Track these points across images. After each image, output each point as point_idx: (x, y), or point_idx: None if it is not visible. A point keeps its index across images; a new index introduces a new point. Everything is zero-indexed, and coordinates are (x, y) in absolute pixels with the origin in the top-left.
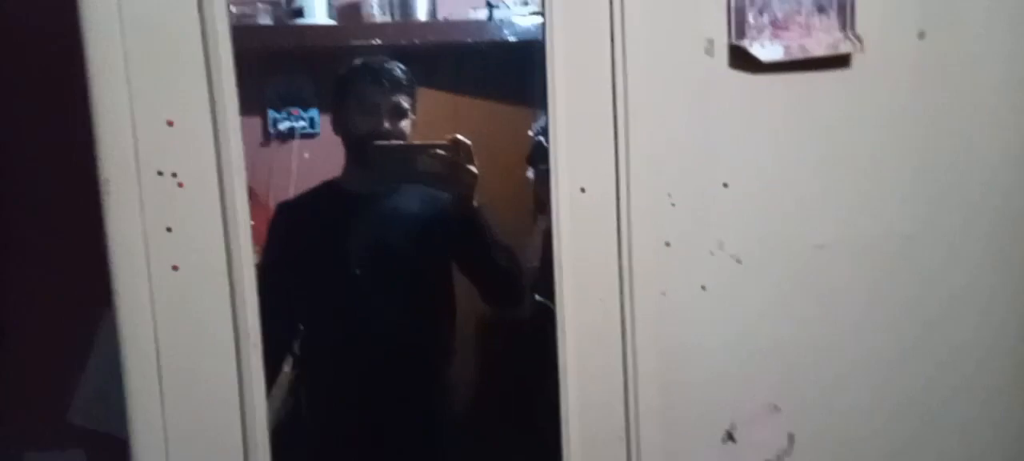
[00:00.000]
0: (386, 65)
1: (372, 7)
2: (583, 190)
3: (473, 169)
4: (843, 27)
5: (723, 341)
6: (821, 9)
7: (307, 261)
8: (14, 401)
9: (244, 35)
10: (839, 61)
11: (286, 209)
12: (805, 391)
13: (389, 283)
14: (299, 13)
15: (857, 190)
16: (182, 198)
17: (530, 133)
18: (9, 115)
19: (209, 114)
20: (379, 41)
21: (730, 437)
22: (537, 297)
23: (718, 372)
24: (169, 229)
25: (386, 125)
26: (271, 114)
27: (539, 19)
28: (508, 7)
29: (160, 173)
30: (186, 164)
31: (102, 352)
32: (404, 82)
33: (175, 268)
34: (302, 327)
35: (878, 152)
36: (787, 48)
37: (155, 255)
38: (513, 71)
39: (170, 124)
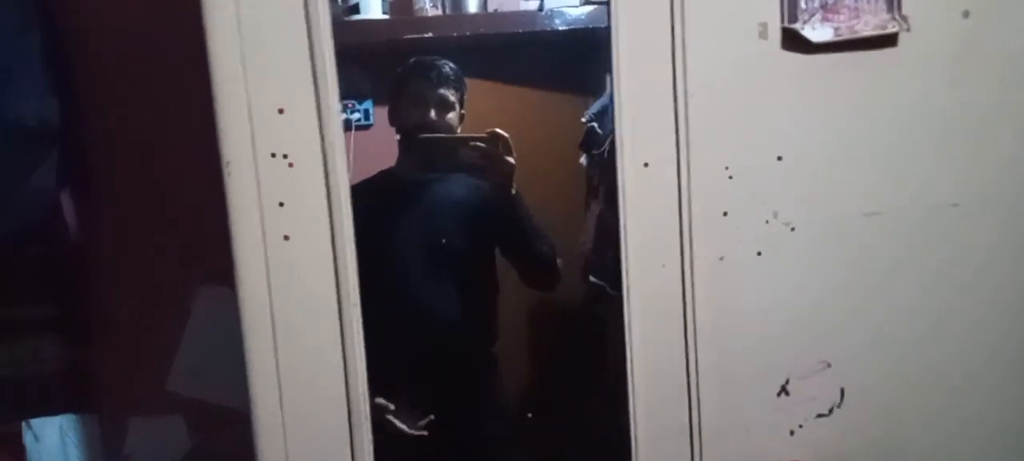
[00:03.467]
0: (437, 62)
1: (424, 1)
2: (646, 165)
3: (510, 159)
4: (890, 9)
5: (777, 302)
6: None
7: (365, 241)
8: (120, 373)
9: None
10: (886, 41)
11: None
12: (855, 348)
13: (438, 264)
14: (355, 9)
15: (904, 162)
16: (292, 176)
17: (582, 120)
18: (104, 109)
19: (314, 102)
20: (431, 34)
21: (784, 391)
22: (591, 278)
23: (773, 331)
24: (281, 204)
25: (432, 116)
26: None
27: (589, 9)
28: None
29: (273, 155)
30: (295, 146)
31: (198, 325)
32: (451, 77)
33: (286, 238)
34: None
35: (924, 126)
36: (837, 30)
37: (270, 226)
38: (564, 60)
39: (281, 112)
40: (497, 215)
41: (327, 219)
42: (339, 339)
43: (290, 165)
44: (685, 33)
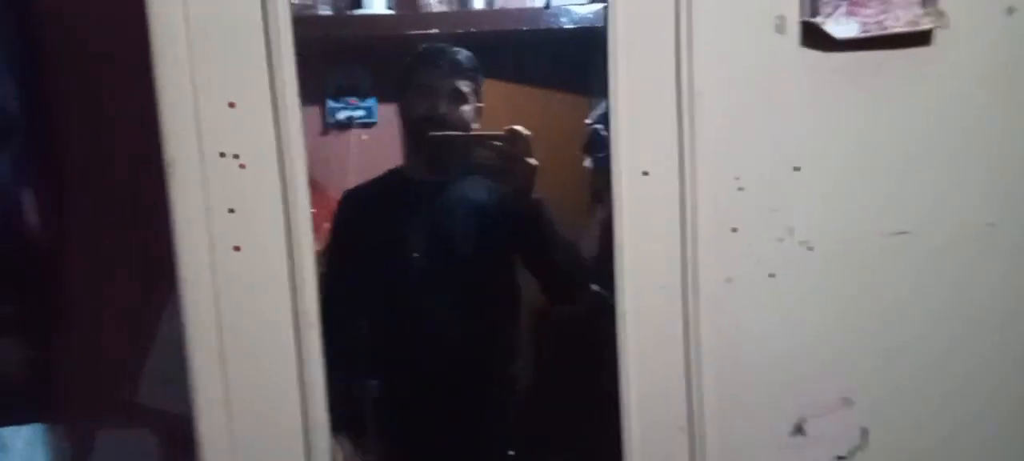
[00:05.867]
0: (448, 48)
1: None
2: (645, 173)
3: (532, 161)
4: (925, 3)
5: (792, 331)
6: None
7: (371, 248)
8: (87, 383)
9: (305, 25)
10: (920, 38)
11: (351, 197)
12: (880, 384)
13: (451, 273)
14: (358, 3)
15: (938, 175)
16: (244, 179)
17: (587, 122)
18: (70, 101)
19: (269, 97)
20: (436, 30)
21: (799, 430)
22: (594, 288)
23: (786, 363)
24: (231, 210)
25: (443, 109)
26: (329, 104)
27: (596, 7)
28: None
29: (222, 155)
30: (248, 146)
31: (170, 333)
32: (465, 66)
33: (237, 248)
34: (366, 315)
35: (961, 135)
36: (863, 24)
37: (218, 235)
38: (570, 59)
39: (232, 106)
40: (518, 222)
41: (283, 228)
42: (296, 364)
43: (242, 166)
44: (692, 25)
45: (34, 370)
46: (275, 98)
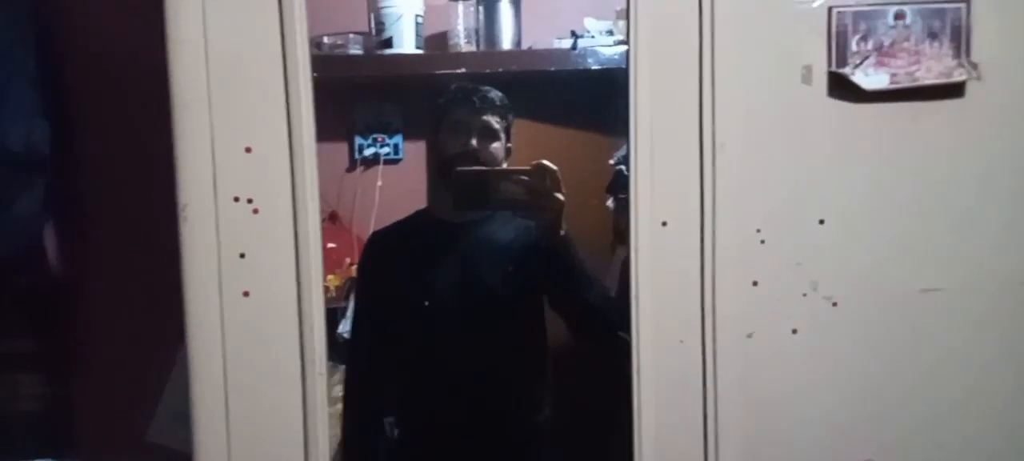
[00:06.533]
0: (480, 87)
1: (458, 36)
2: (664, 224)
3: (559, 196)
4: (957, 54)
5: (815, 390)
6: (933, 35)
7: (398, 289)
8: (100, 421)
9: (335, 65)
10: (952, 90)
11: (378, 238)
12: (907, 449)
13: (478, 314)
14: (388, 43)
15: (972, 231)
16: (256, 225)
17: (611, 162)
18: (96, 138)
19: (286, 142)
20: (464, 70)
21: None
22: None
23: (810, 424)
24: (242, 255)
25: (474, 144)
26: (357, 140)
27: (623, 48)
28: (592, 36)
29: (236, 199)
30: (262, 191)
31: (182, 371)
32: (496, 103)
33: (246, 294)
34: (392, 357)
35: (995, 189)
36: (893, 76)
37: (228, 280)
38: (595, 100)
39: (248, 151)
40: (545, 259)
41: (294, 274)
42: (301, 413)
43: (255, 211)
44: (715, 74)
45: (49, 406)
46: (292, 144)
